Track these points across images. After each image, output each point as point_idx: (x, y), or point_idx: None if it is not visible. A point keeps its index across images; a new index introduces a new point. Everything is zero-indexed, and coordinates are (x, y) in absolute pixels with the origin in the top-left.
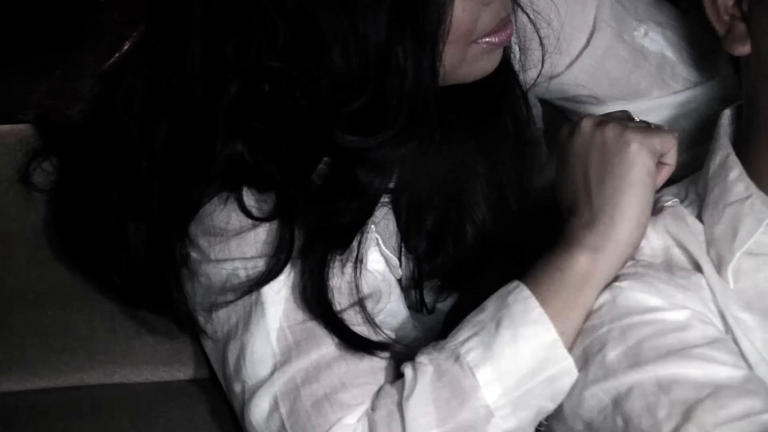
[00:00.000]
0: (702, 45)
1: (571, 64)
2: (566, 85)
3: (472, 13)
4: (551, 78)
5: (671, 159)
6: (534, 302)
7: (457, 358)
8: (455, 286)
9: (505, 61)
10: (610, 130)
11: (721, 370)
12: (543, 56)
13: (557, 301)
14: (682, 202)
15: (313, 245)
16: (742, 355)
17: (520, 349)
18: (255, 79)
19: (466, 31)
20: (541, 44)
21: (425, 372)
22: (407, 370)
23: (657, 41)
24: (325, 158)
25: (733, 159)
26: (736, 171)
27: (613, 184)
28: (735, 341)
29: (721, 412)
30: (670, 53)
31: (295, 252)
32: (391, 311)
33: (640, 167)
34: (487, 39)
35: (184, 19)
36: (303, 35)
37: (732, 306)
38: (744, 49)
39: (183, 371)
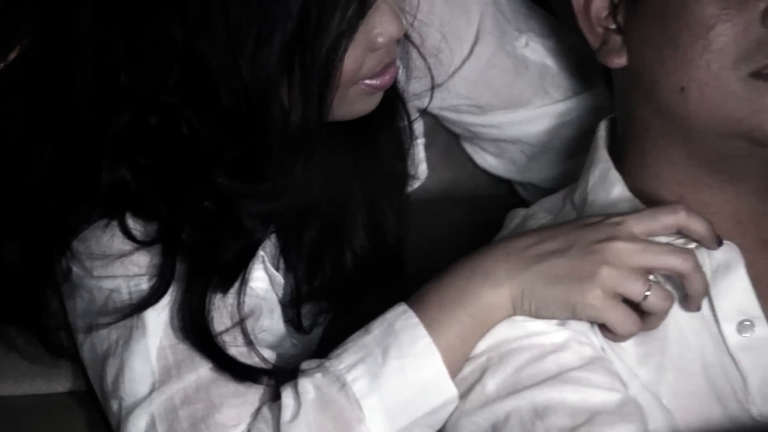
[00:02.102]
0: (582, 54)
1: (453, 73)
2: (448, 94)
3: (357, 60)
4: (433, 88)
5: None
6: (422, 331)
7: (343, 386)
8: (333, 309)
9: (389, 95)
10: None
11: (597, 394)
12: (429, 68)
13: (450, 331)
14: (558, 213)
15: (194, 277)
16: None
17: (407, 381)
18: (145, 111)
19: (350, 76)
20: (423, 57)
21: (307, 399)
22: (287, 395)
23: (538, 51)
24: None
25: (615, 174)
26: (619, 187)
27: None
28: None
29: None
30: (551, 62)
31: (178, 276)
32: (271, 329)
33: (591, 300)
34: (368, 82)
35: (74, 42)
36: (192, 71)
37: None
38: (620, 61)
39: (61, 384)
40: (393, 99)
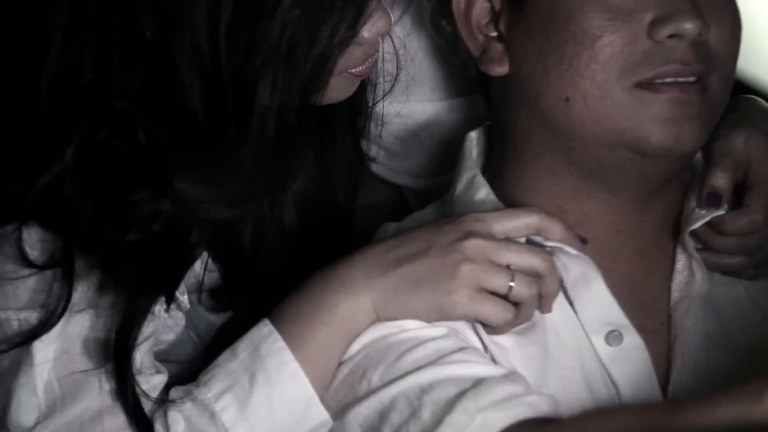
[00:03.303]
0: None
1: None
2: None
3: (344, 55)
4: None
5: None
6: (288, 356)
7: (212, 416)
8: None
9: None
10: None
11: (482, 368)
12: (396, 53)
13: (312, 345)
14: None
15: (116, 297)
16: None
17: (275, 409)
18: (103, 118)
19: (335, 69)
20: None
21: (178, 431)
22: (158, 427)
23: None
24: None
25: (480, 179)
26: (483, 191)
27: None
28: (494, 360)
29: (484, 397)
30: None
31: (81, 303)
32: (174, 326)
33: (460, 298)
34: (350, 71)
35: (43, 36)
36: (161, 74)
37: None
38: (501, 69)
39: None
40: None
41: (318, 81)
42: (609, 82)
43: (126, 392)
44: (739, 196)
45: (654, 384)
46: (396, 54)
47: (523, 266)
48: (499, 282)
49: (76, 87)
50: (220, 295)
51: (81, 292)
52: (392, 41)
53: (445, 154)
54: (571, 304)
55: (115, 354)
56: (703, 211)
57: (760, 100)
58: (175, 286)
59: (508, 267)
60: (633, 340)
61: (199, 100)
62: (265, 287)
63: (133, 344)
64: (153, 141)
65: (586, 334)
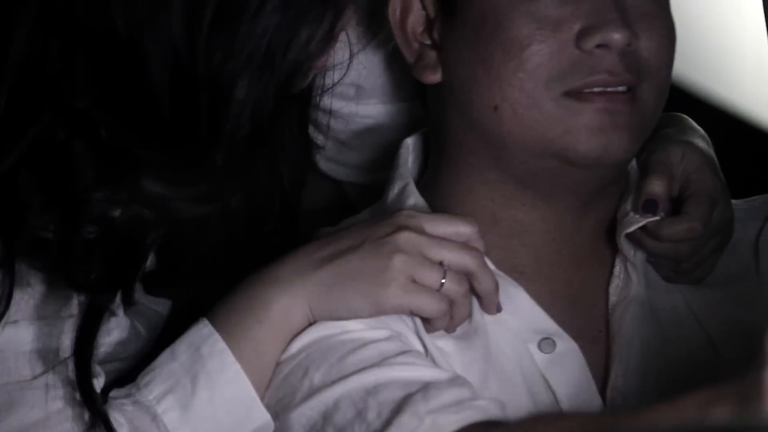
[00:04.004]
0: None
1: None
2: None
3: None
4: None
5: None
6: (230, 357)
7: (154, 418)
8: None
9: None
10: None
11: (426, 371)
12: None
13: (245, 344)
14: None
15: (52, 303)
16: None
17: (218, 411)
18: (65, 113)
19: (311, 71)
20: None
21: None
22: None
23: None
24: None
25: (411, 188)
26: (412, 200)
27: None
28: (435, 364)
29: (433, 401)
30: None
31: (18, 314)
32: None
33: (394, 290)
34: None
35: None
36: (129, 69)
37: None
38: (434, 77)
39: None
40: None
41: (294, 83)
42: (537, 91)
43: (90, 397)
44: (675, 207)
45: (592, 388)
46: (350, 47)
47: (455, 263)
48: (431, 277)
49: (40, 80)
50: (158, 277)
51: (19, 301)
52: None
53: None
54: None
55: (76, 358)
56: (638, 216)
57: (689, 119)
58: (133, 284)
59: (440, 264)
60: (566, 345)
61: (169, 98)
62: (208, 276)
63: (92, 347)
64: (116, 140)
65: (522, 341)
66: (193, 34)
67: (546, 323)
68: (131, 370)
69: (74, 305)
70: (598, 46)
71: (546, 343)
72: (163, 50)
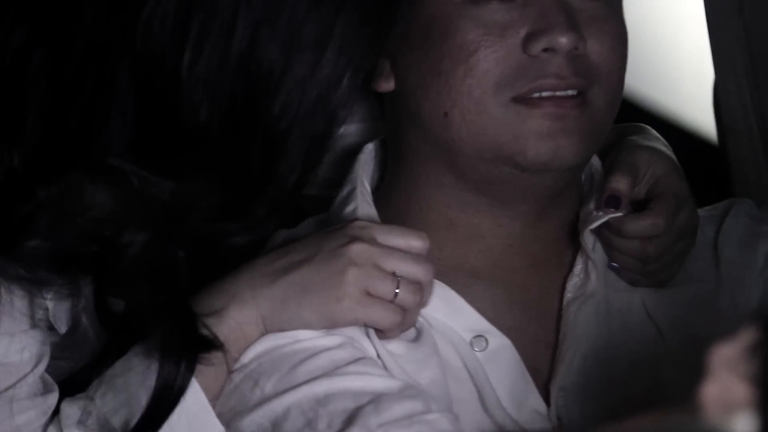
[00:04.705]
0: None
1: None
2: None
3: None
4: None
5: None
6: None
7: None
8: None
9: None
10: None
11: (378, 381)
12: None
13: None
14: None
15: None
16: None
17: (172, 423)
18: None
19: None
20: None
21: None
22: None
23: None
24: None
25: (355, 193)
26: (352, 205)
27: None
28: (386, 368)
29: (384, 413)
30: None
31: None
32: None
33: (348, 302)
34: None
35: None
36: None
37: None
38: (388, 86)
39: None
40: None
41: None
42: (485, 97)
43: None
44: (642, 208)
45: (530, 385)
46: None
47: (407, 274)
48: (385, 288)
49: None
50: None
51: None
52: None
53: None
54: None
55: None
56: (601, 213)
57: (652, 129)
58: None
59: (393, 274)
60: (498, 341)
61: (221, 147)
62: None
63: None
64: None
65: (461, 340)
66: (251, 87)
67: (477, 322)
68: (80, 370)
69: (37, 319)
70: (545, 50)
71: (478, 340)
72: (219, 100)
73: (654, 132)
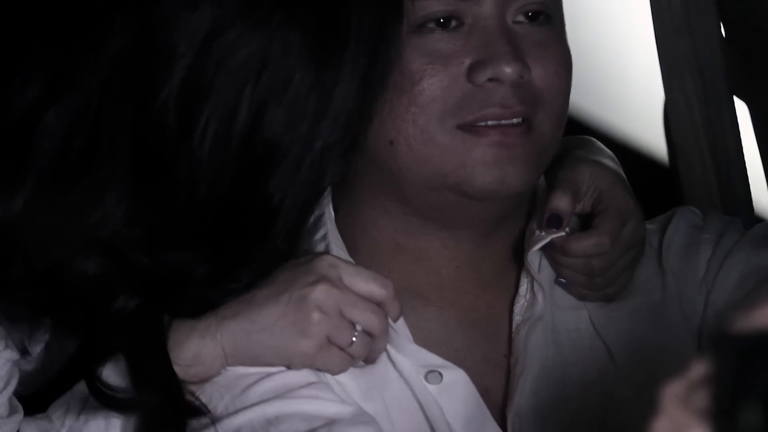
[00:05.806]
0: None
1: None
2: None
3: None
4: None
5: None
6: None
7: None
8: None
9: None
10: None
11: (330, 405)
12: None
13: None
14: None
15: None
16: None
17: None
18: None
19: None
20: None
21: None
22: None
23: None
24: None
25: (324, 218)
26: (323, 231)
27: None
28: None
29: None
30: None
31: None
32: None
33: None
34: None
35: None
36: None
37: None
38: None
39: None
40: None
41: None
42: (430, 125)
43: None
44: (587, 224)
45: (486, 414)
46: None
47: (365, 325)
48: (344, 339)
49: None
50: None
51: None
52: None
53: None
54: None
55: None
56: (544, 233)
57: (597, 141)
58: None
59: (352, 323)
60: (452, 374)
61: (215, 216)
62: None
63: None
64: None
65: (415, 374)
66: (252, 165)
67: (430, 358)
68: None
69: (9, 341)
70: (490, 80)
71: (432, 375)
72: (220, 179)
73: (599, 144)
